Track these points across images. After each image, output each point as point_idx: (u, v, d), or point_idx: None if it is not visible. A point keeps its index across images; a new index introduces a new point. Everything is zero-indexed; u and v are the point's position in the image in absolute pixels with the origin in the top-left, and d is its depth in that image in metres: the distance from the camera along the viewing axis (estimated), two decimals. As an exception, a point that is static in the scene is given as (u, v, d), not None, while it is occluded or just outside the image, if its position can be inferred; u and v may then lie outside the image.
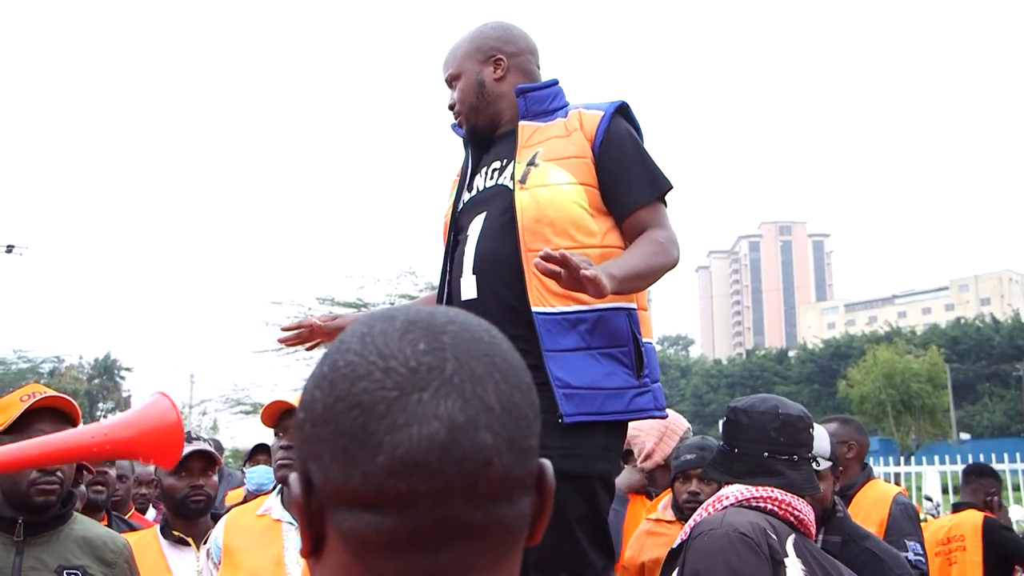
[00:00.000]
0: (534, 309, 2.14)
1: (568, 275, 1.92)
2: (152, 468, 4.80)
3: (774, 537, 1.90)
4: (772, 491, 2.02)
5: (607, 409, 2.16)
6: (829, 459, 2.43)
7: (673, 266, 2.25)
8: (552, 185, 2.23)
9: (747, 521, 1.94)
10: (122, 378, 57.27)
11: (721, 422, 2.22)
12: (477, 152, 2.47)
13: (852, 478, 3.67)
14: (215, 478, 2.97)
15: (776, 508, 2.00)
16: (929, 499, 10.80)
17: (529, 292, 2.16)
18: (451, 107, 2.47)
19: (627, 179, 2.28)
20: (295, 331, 2.51)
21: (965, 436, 40.42)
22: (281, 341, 2.52)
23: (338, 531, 0.65)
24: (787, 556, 1.89)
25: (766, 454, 2.06)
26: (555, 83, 2.43)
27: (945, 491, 14.22)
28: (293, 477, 0.68)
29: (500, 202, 2.30)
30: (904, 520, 3.44)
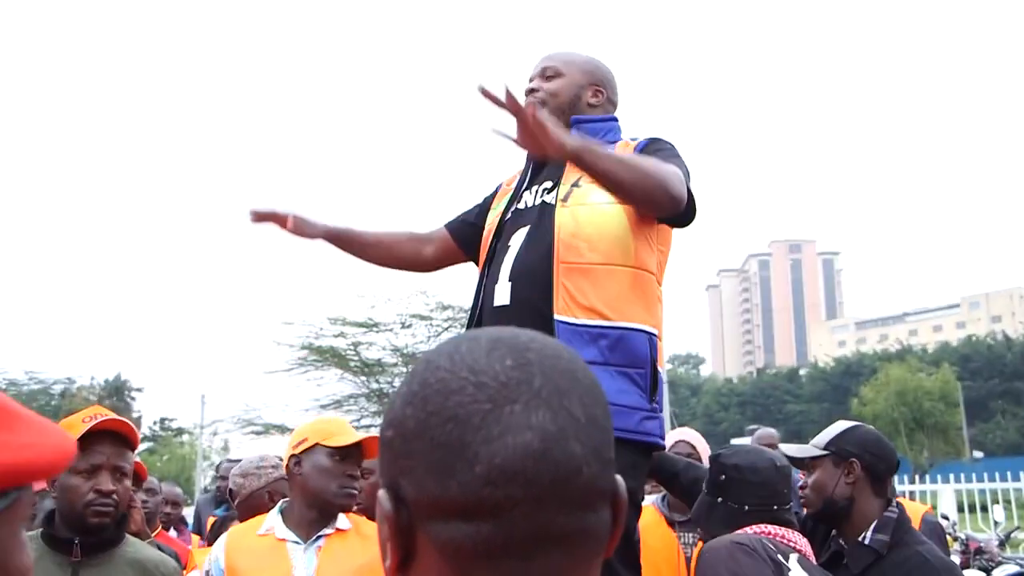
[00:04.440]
0: (557, 318, 2.19)
1: (519, 125, 2.00)
2: (179, 490, 4.84)
3: (772, 547, 1.99)
4: (767, 527, 2.11)
5: (616, 425, 2.15)
6: (825, 448, 2.45)
7: (667, 194, 2.15)
8: (591, 204, 2.29)
9: (745, 536, 2.04)
10: (132, 399, 57.32)
11: (714, 479, 2.27)
12: (536, 168, 2.53)
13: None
14: None
15: (773, 538, 2.08)
16: (946, 517, 10.70)
17: (555, 300, 2.22)
18: (533, 91, 2.52)
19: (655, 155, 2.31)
20: (269, 214, 2.66)
21: (978, 454, 40.08)
22: (250, 212, 2.67)
23: (434, 543, 0.66)
24: (789, 562, 1.96)
25: (775, 507, 2.16)
26: (613, 119, 2.54)
27: (960, 509, 14.11)
28: (382, 494, 0.70)
29: (541, 218, 2.37)
30: (933, 539, 3.41)
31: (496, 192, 2.72)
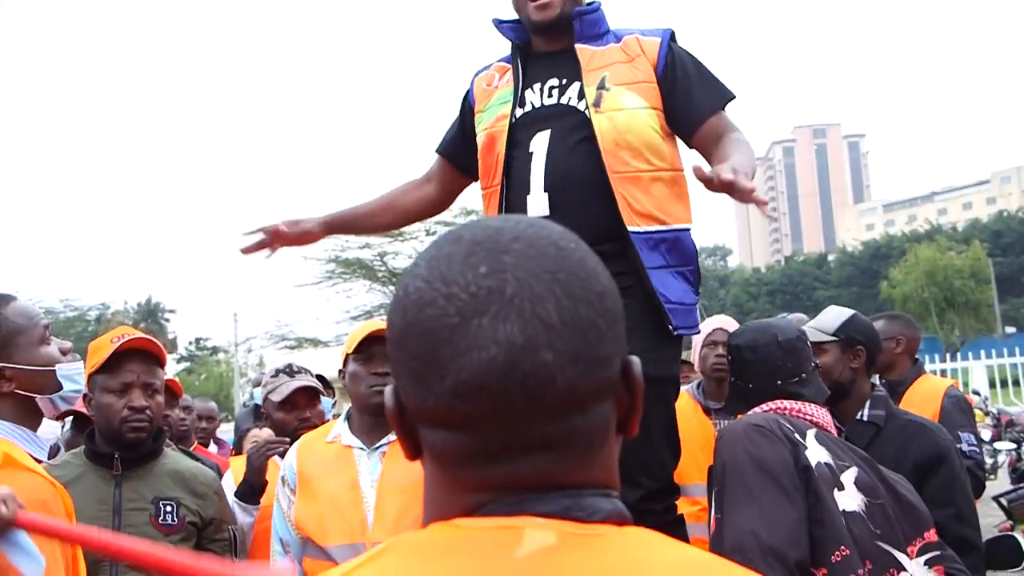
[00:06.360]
0: (630, 228, 2.22)
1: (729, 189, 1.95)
2: (213, 404, 4.97)
3: (788, 426, 2.00)
4: (782, 402, 2.13)
5: (691, 323, 2.31)
6: (834, 334, 2.56)
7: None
8: (627, 109, 2.27)
9: (760, 416, 2.06)
10: (167, 320, 58.38)
11: (727, 358, 2.33)
12: (528, 62, 2.42)
13: (903, 373, 3.65)
14: (320, 407, 3.18)
15: (788, 414, 2.10)
16: (977, 393, 10.79)
17: (622, 213, 2.22)
18: None
19: (694, 93, 2.32)
20: (256, 238, 2.56)
21: (1011, 329, 40.07)
22: (242, 251, 2.58)
23: (425, 445, 0.70)
24: (806, 440, 1.98)
25: (779, 382, 2.17)
26: (600, 6, 2.41)
27: (992, 385, 14.18)
28: (388, 391, 0.72)
29: (567, 122, 2.30)
30: (957, 412, 3.43)
31: (473, 91, 2.56)
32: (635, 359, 0.71)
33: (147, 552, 1.35)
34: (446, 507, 0.68)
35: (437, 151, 2.68)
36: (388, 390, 0.72)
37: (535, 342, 0.63)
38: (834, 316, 2.65)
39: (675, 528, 2.27)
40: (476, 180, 2.59)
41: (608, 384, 0.68)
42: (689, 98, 2.31)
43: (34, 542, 1.52)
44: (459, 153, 2.60)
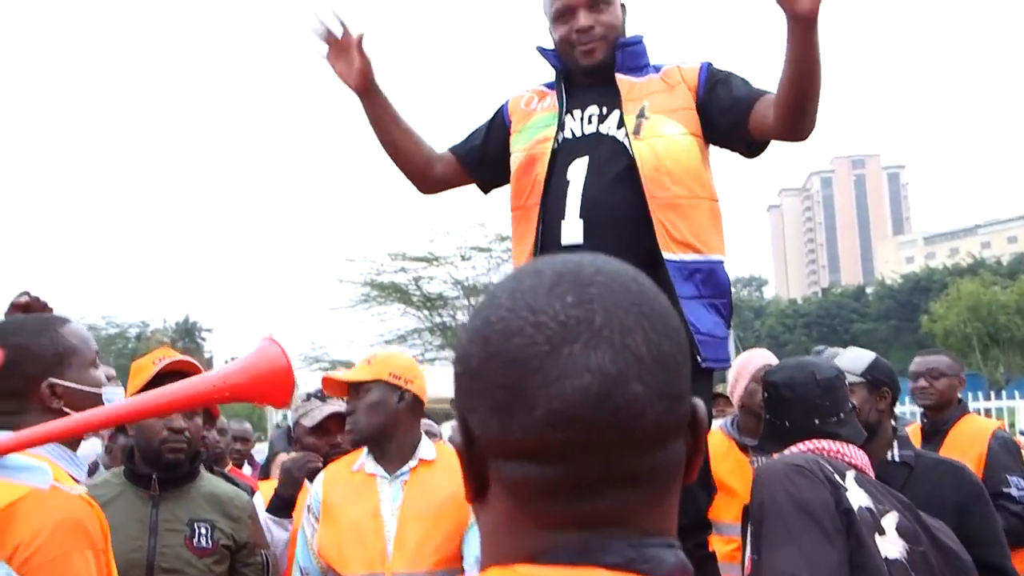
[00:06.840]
0: (665, 256, 2.20)
1: None
2: (248, 426, 5.00)
3: (829, 468, 1.96)
4: (820, 442, 2.10)
5: (721, 356, 2.29)
6: (861, 376, 2.54)
7: (817, 98, 2.10)
8: (666, 136, 2.27)
9: (801, 457, 2.03)
10: (203, 339, 58.97)
11: (764, 397, 2.30)
12: (569, 90, 2.42)
13: (949, 412, 3.59)
14: None
15: (827, 455, 2.07)
16: None
17: (659, 239, 2.21)
18: (589, 29, 2.32)
19: (736, 91, 2.30)
20: (334, 26, 2.39)
21: (1058, 368, 39.08)
22: (314, 17, 2.38)
23: (500, 479, 0.67)
24: (846, 482, 1.94)
25: (816, 421, 2.13)
26: (642, 39, 2.42)
27: (1038, 425, 13.83)
28: (454, 426, 0.71)
29: (606, 151, 2.30)
30: (1004, 455, 3.35)
31: (507, 113, 2.55)
32: (699, 401, 0.70)
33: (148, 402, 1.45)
34: (509, 550, 0.67)
35: (454, 151, 2.63)
36: (454, 424, 0.72)
37: (626, 374, 0.63)
38: (858, 357, 2.62)
39: (706, 564, 2.25)
40: (475, 184, 2.62)
41: (684, 421, 0.68)
42: (734, 94, 2.28)
43: (27, 455, 1.53)
44: (475, 162, 2.59)
